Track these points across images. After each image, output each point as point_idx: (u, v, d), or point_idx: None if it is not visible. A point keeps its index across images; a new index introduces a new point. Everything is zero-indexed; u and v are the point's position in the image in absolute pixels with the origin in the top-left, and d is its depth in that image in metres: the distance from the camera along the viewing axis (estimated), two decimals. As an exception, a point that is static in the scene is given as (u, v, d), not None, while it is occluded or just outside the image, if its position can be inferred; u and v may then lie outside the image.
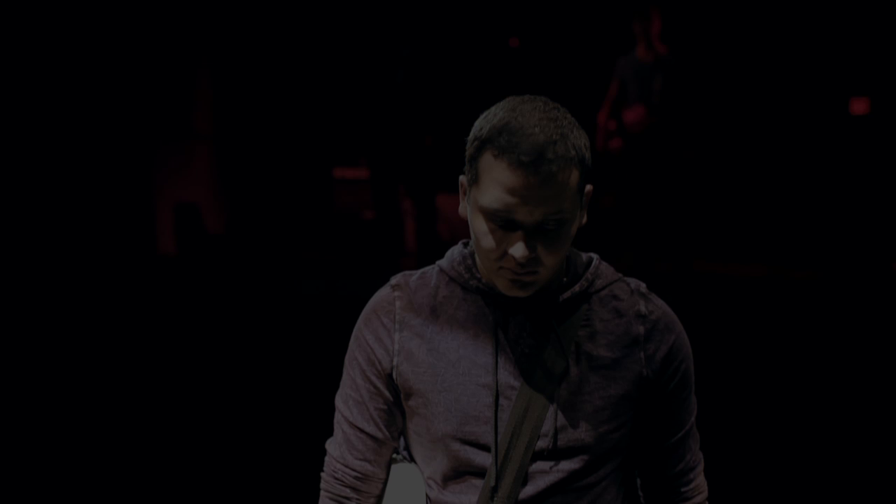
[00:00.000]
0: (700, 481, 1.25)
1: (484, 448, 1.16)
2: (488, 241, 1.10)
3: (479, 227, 1.11)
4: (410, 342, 1.19)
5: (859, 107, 7.11)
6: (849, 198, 6.54)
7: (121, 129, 6.99)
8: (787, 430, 4.23)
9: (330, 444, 1.26)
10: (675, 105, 5.29)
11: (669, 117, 5.27)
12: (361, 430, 1.22)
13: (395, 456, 1.27)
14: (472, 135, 1.12)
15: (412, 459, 1.25)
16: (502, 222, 1.08)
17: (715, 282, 6.21)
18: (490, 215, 1.09)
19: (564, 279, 1.19)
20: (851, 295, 5.83)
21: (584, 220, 1.16)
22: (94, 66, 6.63)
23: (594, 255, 1.24)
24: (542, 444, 1.15)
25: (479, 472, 1.16)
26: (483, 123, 1.11)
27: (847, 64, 6.93)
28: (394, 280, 1.24)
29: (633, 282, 1.24)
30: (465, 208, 1.16)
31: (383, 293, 1.24)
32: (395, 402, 1.22)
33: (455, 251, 1.24)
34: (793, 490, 3.70)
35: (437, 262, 1.26)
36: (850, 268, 6.16)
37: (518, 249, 1.07)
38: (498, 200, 1.07)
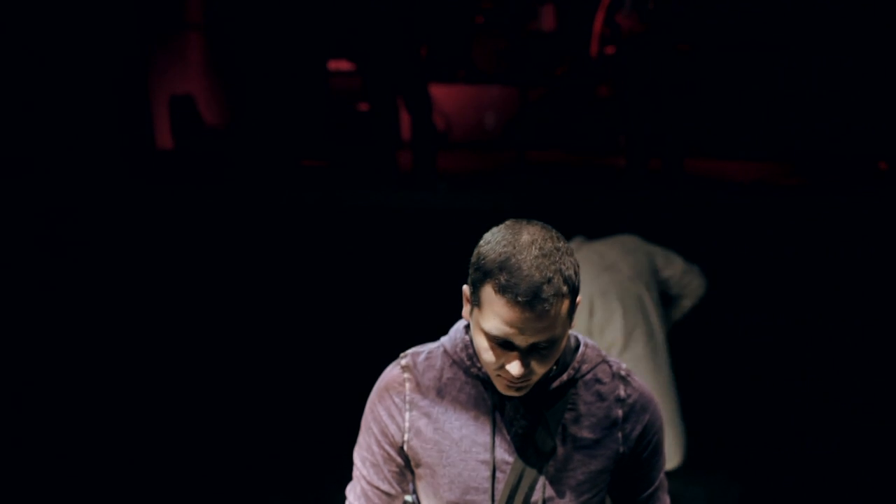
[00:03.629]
0: None
1: (483, 513, 1.36)
2: (489, 356, 1.26)
3: (481, 343, 1.26)
4: (419, 421, 1.37)
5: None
6: (843, 89, 6.55)
7: (111, 21, 6.89)
8: (778, 343, 4.45)
9: (350, 493, 1.47)
10: (669, 9, 5.28)
11: (663, 23, 5.26)
12: (377, 488, 1.42)
13: (406, 499, 1.47)
14: (475, 260, 1.26)
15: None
16: (501, 343, 1.24)
17: (705, 184, 6.33)
18: (490, 337, 1.24)
19: (554, 367, 1.36)
20: (840, 197, 5.96)
21: (573, 325, 1.31)
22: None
23: (580, 339, 1.40)
24: None
25: (480, 532, 1.37)
26: (486, 251, 1.24)
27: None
28: (403, 361, 1.41)
29: (615, 364, 1.40)
30: (468, 313, 1.31)
31: (394, 373, 1.41)
32: (406, 466, 1.41)
33: (458, 335, 1.40)
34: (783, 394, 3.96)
35: (442, 341, 1.42)
36: (839, 166, 6.27)
37: (514, 367, 1.24)
38: (497, 328, 1.22)
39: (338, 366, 4.00)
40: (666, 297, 2.58)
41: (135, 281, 5.18)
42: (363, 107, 7.31)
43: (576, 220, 5.75)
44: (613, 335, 2.46)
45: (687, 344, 4.31)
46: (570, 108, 7.49)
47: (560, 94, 7.54)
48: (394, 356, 1.48)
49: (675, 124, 6.02)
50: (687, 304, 2.61)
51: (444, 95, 7.58)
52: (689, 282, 2.59)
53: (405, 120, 7.17)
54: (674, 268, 2.58)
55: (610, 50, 5.45)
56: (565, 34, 7.61)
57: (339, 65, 7.50)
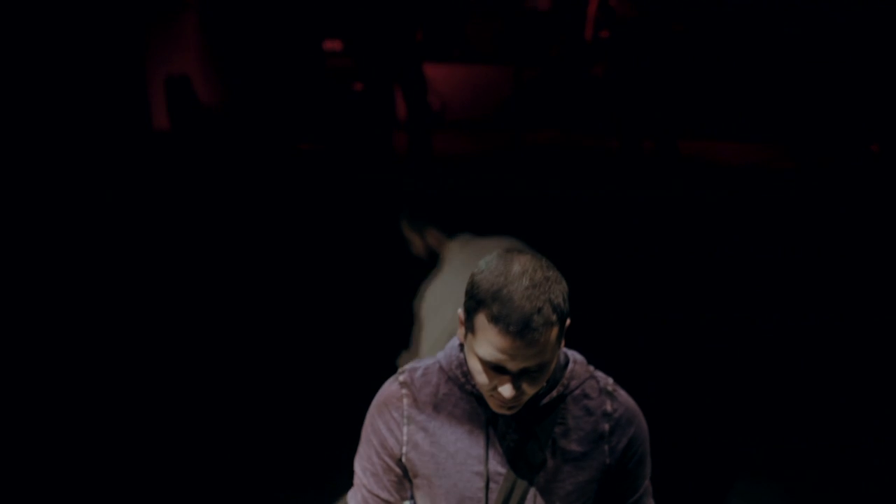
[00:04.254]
0: None
1: (477, 521, 1.44)
2: (482, 378, 1.33)
3: (475, 366, 1.33)
4: (416, 435, 1.45)
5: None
6: (834, 74, 6.60)
7: (107, 1, 6.88)
8: (767, 327, 4.52)
9: (351, 500, 1.54)
10: None
11: (658, 8, 5.30)
12: (377, 496, 1.50)
13: (405, 504, 1.55)
14: (469, 288, 1.32)
15: (417, 509, 1.54)
16: (493, 367, 1.31)
17: (698, 166, 6.39)
18: (483, 361, 1.31)
19: (544, 385, 1.43)
20: (833, 179, 6.02)
21: (563, 345, 1.38)
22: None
23: (570, 355, 1.47)
24: None
25: (474, 539, 1.45)
26: (479, 281, 1.31)
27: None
28: (402, 377, 1.48)
29: (602, 379, 1.48)
30: (462, 335, 1.38)
31: (393, 388, 1.48)
32: (404, 475, 1.49)
33: (453, 353, 1.47)
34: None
35: (438, 358, 1.49)
36: (832, 149, 6.32)
37: (506, 390, 1.31)
38: (490, 354, 1.29)
39: (338, 357, 4.04)
40: None
41: (131, 265, 5.22)
42: (358, 87, 7.33)
43: (570, 202, 5.80)
44: None
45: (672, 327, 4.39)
46: (564, 88, 7.52)
47: (555, 75, 7.56)
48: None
49: (669, 106, 6.07)
50: None
51: (437, 75, 7.60)
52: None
53: (400, 101, 7.20)
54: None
55: (604, 34, 5.49)
56: (560, 14, 7.62)
57: (335, 45, 7.51)
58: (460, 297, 2.48)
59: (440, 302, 2.51)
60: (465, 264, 2.56)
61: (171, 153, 7.16)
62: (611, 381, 1.48)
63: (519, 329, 1.26)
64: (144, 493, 3.05)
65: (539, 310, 1.26)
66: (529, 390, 1.33)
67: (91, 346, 4.31)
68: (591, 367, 1.49)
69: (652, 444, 1.53)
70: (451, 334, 2.55)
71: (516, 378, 1.31)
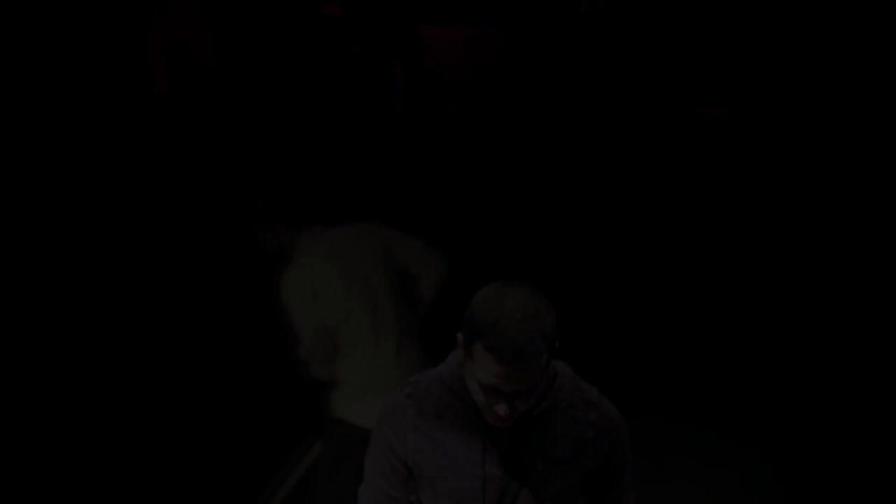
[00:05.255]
0: None
1: (475, 517, 1.62)
2: (480, 398, 1.50)
3: (473, 387, 1.50)
4: (421, 441, 1.62)
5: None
6: (826, 40, 6.66)
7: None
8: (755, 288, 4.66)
9: (362, 495, 1.72)
10: None
11: None
12: (385, 493, 1.67)
13: (411, 498, 1.73)
14: (467, 317, 1.47)
15: (422, 504, 1.72)
16: (489, 389, 1.47)
17: (693, 131, 6.49)
18: (480, 384, 1.48)
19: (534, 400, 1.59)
20: (824, 145, 6.12)
21: (551, 362, 1.54)
22: None
23: (557, 369, 1.63)
24: None
25: (472, 533, 1.63)
26: (476, 310, 1.45)
27: None
28: (407, 389, 1.65)
29: (587, 390, 1.64)
30: (462, 356, 1.54)
31: (400, 400, 1.65)
32: (410, 475, 1.66)
33: (454, 368, 1.63)
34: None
35: (440, 371, 1.65)
36: (822, 115, 6.42)
37: (501, 409, 1.47)
38: (486, 379, 1.45)
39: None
40: (409, 278, 2.73)
41: (131, 230, 5.32)
42: (355, 52, 7.38)
43: (562, 165, 5.87)
44: (335, 315, 2.61)
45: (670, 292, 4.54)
46: (560, 52, 7.58)
47: (551, 39, 7.61)
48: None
49: (661, 71, 6.16)
50: (430, 281, 2.76)
51: (434, 37, 7.65)
52: (427, 262, 2.74)
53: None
54: (410, 250, 2.72)
55: (600, 5, 5.56)
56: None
57: (332, 9, 7.54)
58: (323, 282, 2.60)
59: (305, 290, 2.58)
60: (318, 253, 2.63)
61: (170, 117, 7.22)
62: (595, 391, 1.65)
63: (512, 358, 1.41)
64: (147, 492, 3.14)
65: (531, 340, 1.42)
66: (521, 407, 1.49)
67: (91, 320, 4.41)
68: (578, 379, 1.65)
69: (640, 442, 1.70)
70: (325, 320, 2.61)
71: (510, 398, 1.47)
